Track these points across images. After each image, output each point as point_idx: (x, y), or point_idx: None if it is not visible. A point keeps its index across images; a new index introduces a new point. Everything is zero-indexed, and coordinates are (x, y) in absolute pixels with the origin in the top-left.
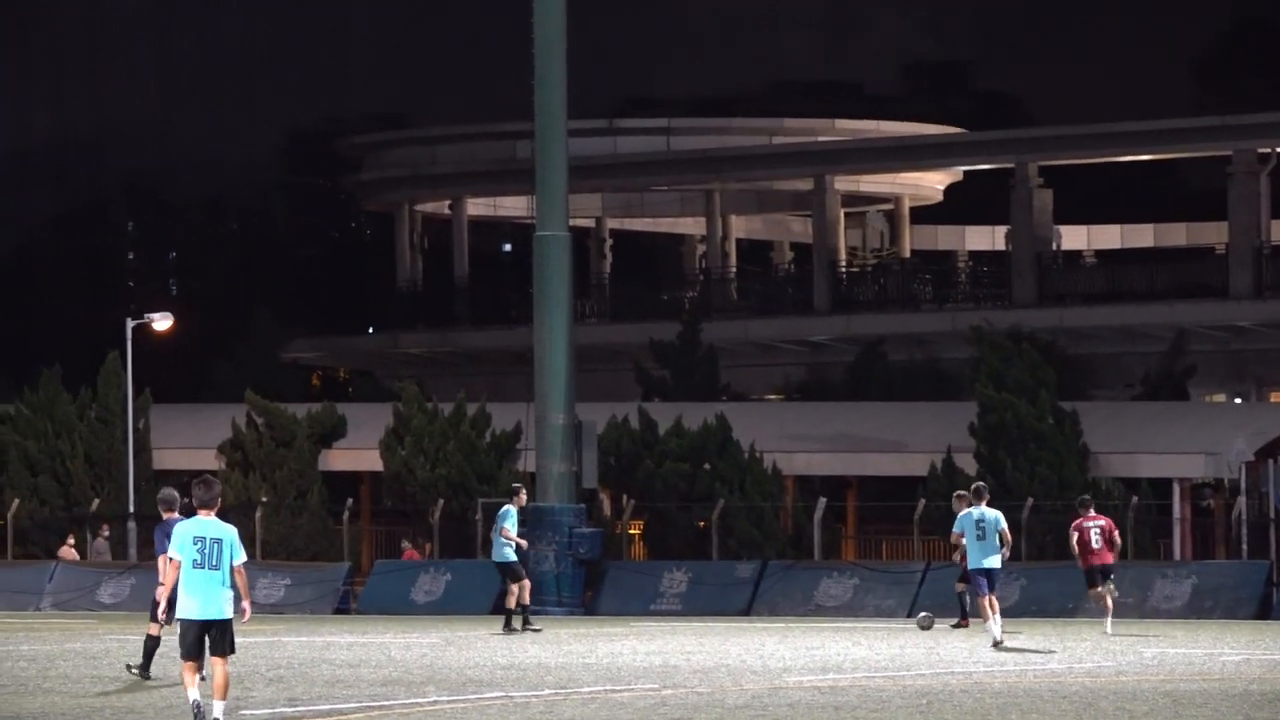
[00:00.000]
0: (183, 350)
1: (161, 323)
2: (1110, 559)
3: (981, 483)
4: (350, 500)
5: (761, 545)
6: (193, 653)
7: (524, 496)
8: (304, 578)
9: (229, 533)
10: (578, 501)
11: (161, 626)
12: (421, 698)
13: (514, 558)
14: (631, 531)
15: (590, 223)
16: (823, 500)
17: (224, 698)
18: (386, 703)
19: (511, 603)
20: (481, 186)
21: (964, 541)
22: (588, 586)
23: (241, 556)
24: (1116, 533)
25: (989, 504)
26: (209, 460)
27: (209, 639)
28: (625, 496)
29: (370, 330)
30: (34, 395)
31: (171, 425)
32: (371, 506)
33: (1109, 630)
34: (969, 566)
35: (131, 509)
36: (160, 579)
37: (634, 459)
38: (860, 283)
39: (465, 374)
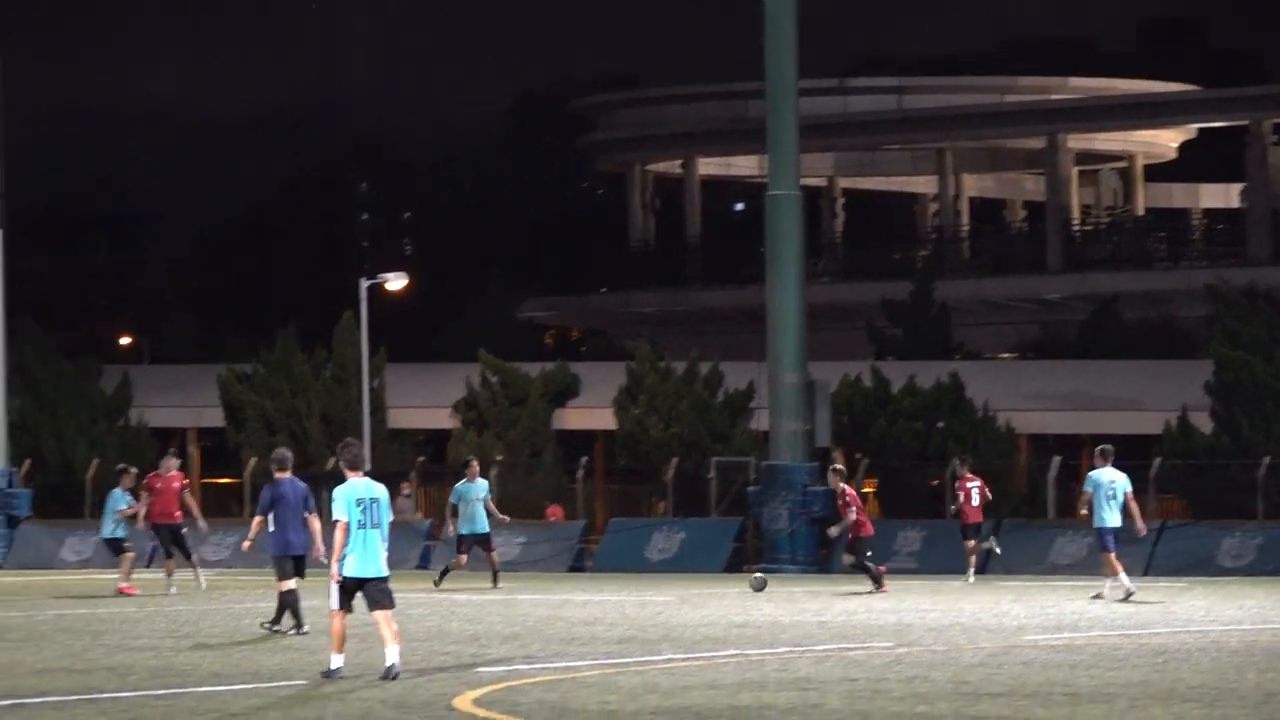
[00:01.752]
0: (417, 309)
1: (395, 282)
2: (980, 518)
3: (1109, 445)
4: (584, 459)
5: (996, 504)
6: (346, 606)
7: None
8: (539, 535)
9: (384, 492)
10: (810, 460)
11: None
12: (656, 656)
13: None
14: (865, 490)
15: (822, 182)
16: (1057, 459)
17: (398, 642)
18: (621, 660)
19: None
20: (713, 146)
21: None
22: (821, 545)
23: (390, 515)
24: (987, 491)
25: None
26: (443, 419)
27: (368, 596)
28: (858, 455)
29: (603, 290)
30: (271, 355)
31: (406, 384)
32: (605, 465)
33: (971, 580)
34: (1095, 524)
35: (367, 467)
36: (250, 535)
37: (867, 417)
38: (1094, 241)
39: (697, 333)
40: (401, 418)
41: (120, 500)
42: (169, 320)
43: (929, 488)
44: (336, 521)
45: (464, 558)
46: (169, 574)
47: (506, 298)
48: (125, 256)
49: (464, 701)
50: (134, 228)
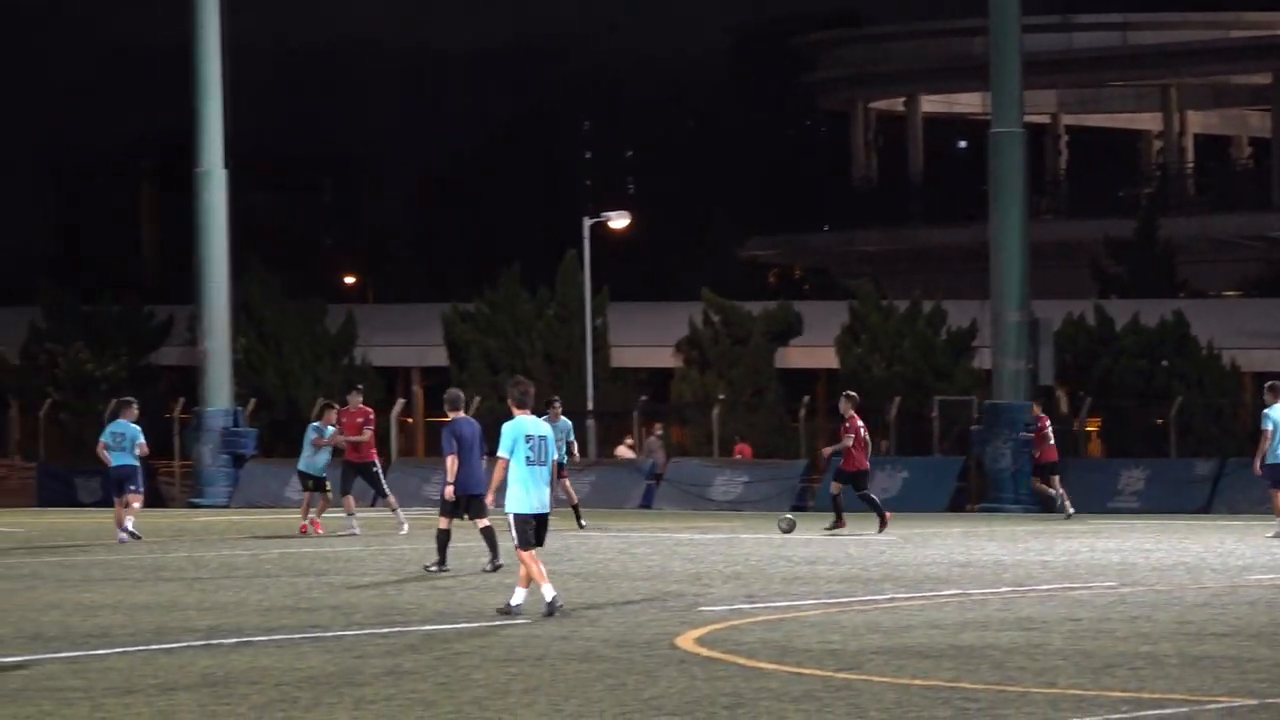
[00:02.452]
0: (640, 248)
1: (618, 221)
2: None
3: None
4: (806, 398)
5: (1220, 442)
6: (531, 542)
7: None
8: (761, 474)
9: (550, 430)
10: (1034, 399)
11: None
12: (879, 595)
13: None
14: (1089, 429)
15: (1046, 119)
16: None
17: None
18: (844, 600)
19: None
20: (936, 84)
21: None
22: None
23: (556, 454)
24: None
25: None
26: (666, 358)
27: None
28: (1082, 393)
29: (825, 228)
30: (494, 294)
31: (629, 323)
32: (827, 404)
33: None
34: (1268, 461)
35: (590, 406)
36: (449, 478)
37: (1090, 356)
38: None
39: (920, 271)
40: (624, 357)
41: (313, 434)
42: (393, 259)
43: (1153, 426)
44: (499, 457)
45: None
46: (348, 512)
47: (729, 236)
48: (349, 195)
49: (686, 640)
50: (358, 166)
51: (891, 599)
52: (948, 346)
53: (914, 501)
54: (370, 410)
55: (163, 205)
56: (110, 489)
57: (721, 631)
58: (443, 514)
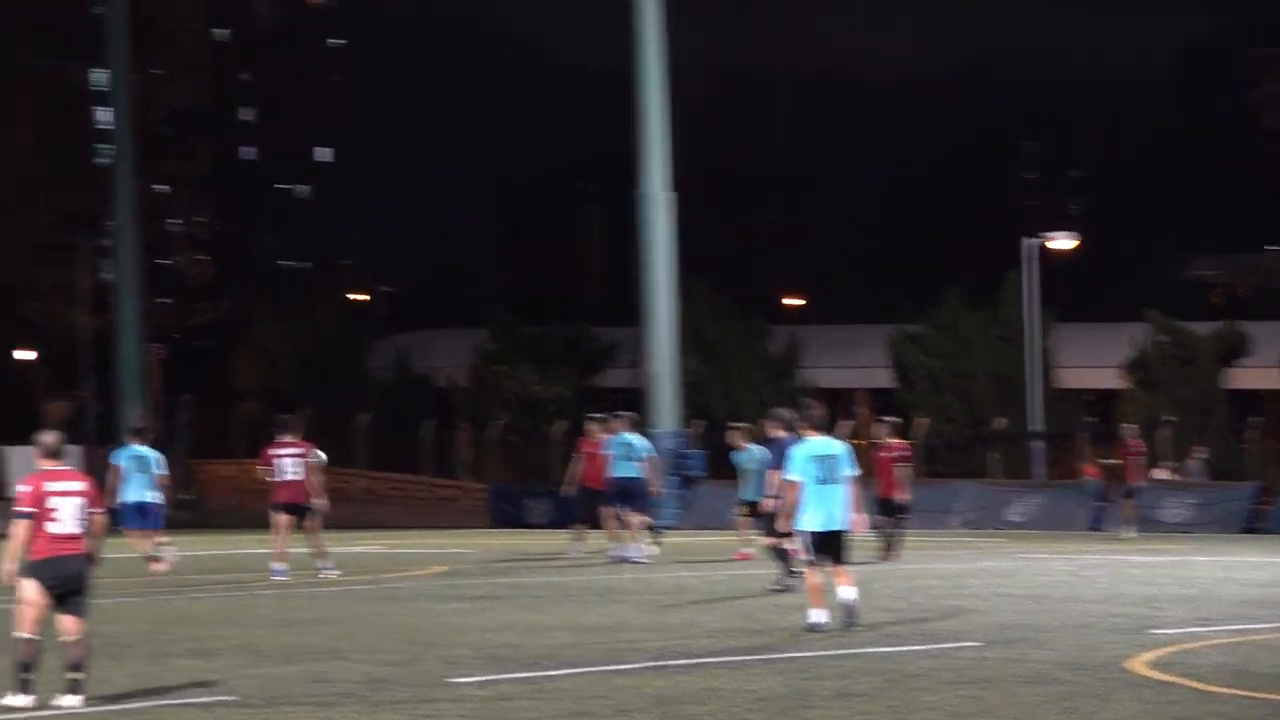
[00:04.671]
0: (1085, 268)
1: (1062, 242)
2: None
3: None
4: (1254, 419)
5: None
6: (820, 560)
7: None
8: (1210, 497)
9: (843, 449)
10: None
11: (778, 539)
12: None
13: None
14: None
15: None
16: None
17: (852, 583)
18: None
19: None
20: None
21: None
22: None
23: (853, 470)
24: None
25: None
26: (1112, 379)
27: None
28: None
29: (1273, 247)
30: (938, 315)
31: (1075, 344)
32: (1277, 425)
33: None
34: None
35: (1037, 427)
36: (771, 492)
37: None
38: None
39: None
40: (1070, 377)
41: (740, 458)
42: (837, 280)
43: None
44: (790, 480)
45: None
46: (577, 538)
47: (1175, 256)
48: (795, 217)
49: (1138, 664)
50: (803, 189)
51: None
52: None
53: None
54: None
55: (607, 228)
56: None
57: (1174, 655)
58: (770, 533)
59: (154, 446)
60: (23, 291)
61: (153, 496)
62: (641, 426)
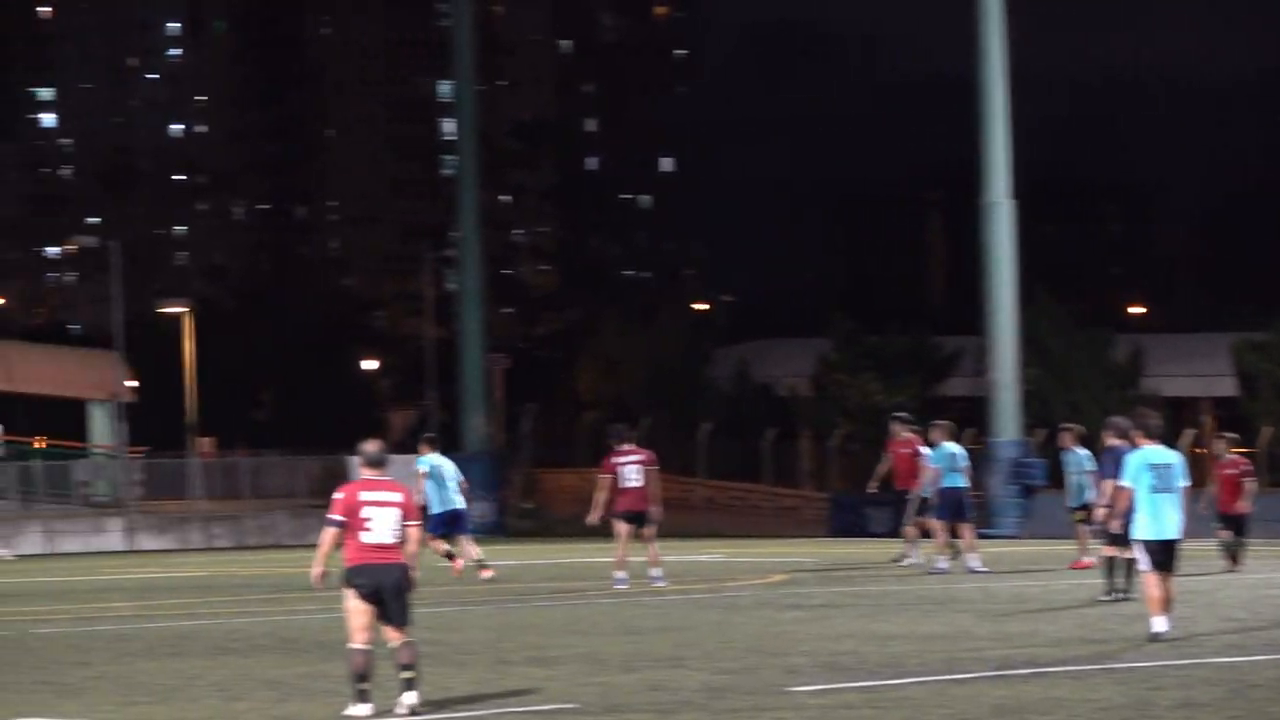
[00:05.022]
0: None
1: None
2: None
3: None
4: None
5: None
6: (1162, 567)
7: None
8: None
9: (1177, 458)
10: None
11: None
12: None
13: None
14: None
15: None
16: None
17: (1156, 609)
18: None
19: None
20: None
21: None
22: None
23: (1186, 481)
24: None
25: None
26: None
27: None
28: None
29: None
30: None
31: None
32: None
33: None
34: None
35: None
36: (1105, 501)
37: None
38: None
39: None
40: None
41: (1066, 459)
42: (1179, 288)
43: None
44: (1122, 487)
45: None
46: (908, 539)
47: None
48: (1136, 224)
49: None
50: (1145, 197)
51: None
52: None
53: None
54: (918, 440)
55: (950, 237)
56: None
57: None
58: (1111, 542)
59: (496, 456)
60: (368, 302)
61: (458, 503)
62: (957, 435)
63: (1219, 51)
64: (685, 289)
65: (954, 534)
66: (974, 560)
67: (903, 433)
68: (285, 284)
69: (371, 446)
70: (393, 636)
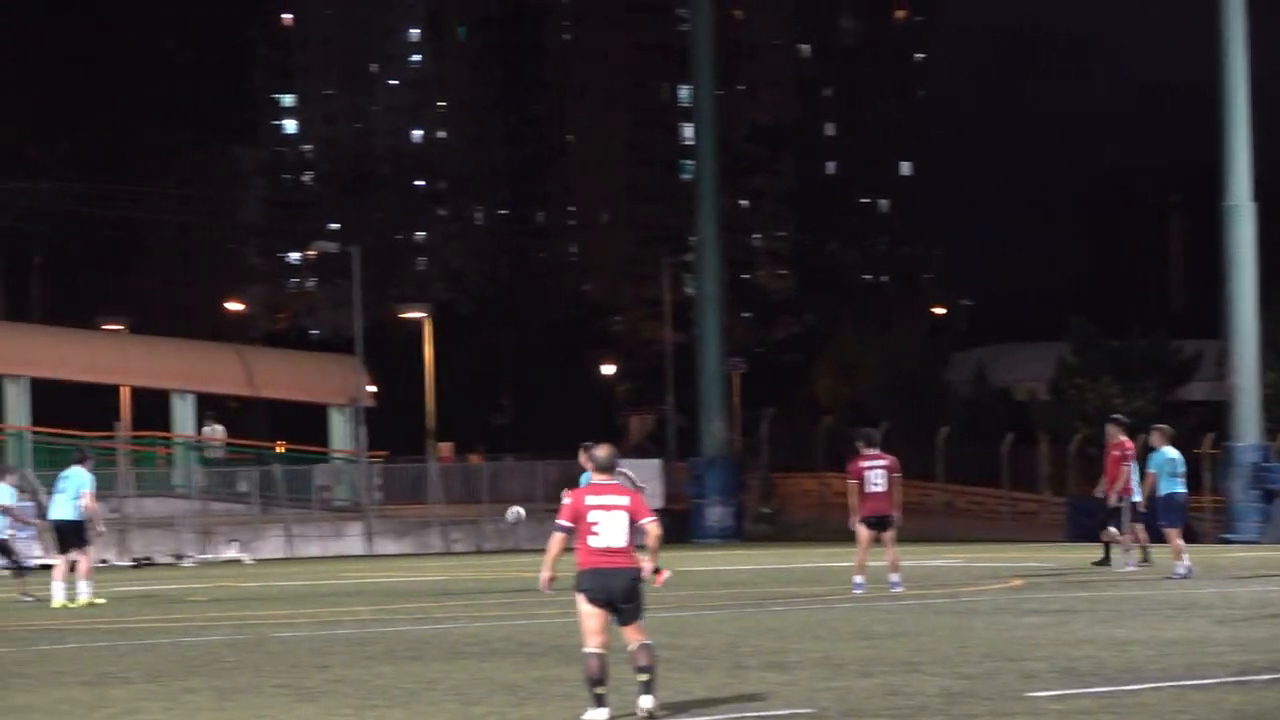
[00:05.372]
0: None
1: None
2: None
3: None
4: None
5: None
6: None
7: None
8: None
9: None
10: None
11: None
12: None
13: None
14: None
15: None
16: None
17: None
18: None
19: None
20: None
21: None
22: None
23: None
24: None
25: None
26: None
27: None
28: None
29: None
30: None
31: None
32: None
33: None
34: None
35: None
36: None
37: None
38: None
39: None
40: None
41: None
42: None
43: None
44: None
45: None
46: (1117, 541)
47: None
48: None
49: None
50: None
51: None
52: None
53: None
54: (1127, 442)
55: (1191, 239)
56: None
57: None
58: None
59: (734, 460)
60: (607, 306)
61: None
62: (1178, 439)
63: None
64: (923, 293)
65: (1160, 539)
66: (1181, 566)
67: (1118, 435)
68: (524, 288)
69: (601, 451)
70: (631, 637)
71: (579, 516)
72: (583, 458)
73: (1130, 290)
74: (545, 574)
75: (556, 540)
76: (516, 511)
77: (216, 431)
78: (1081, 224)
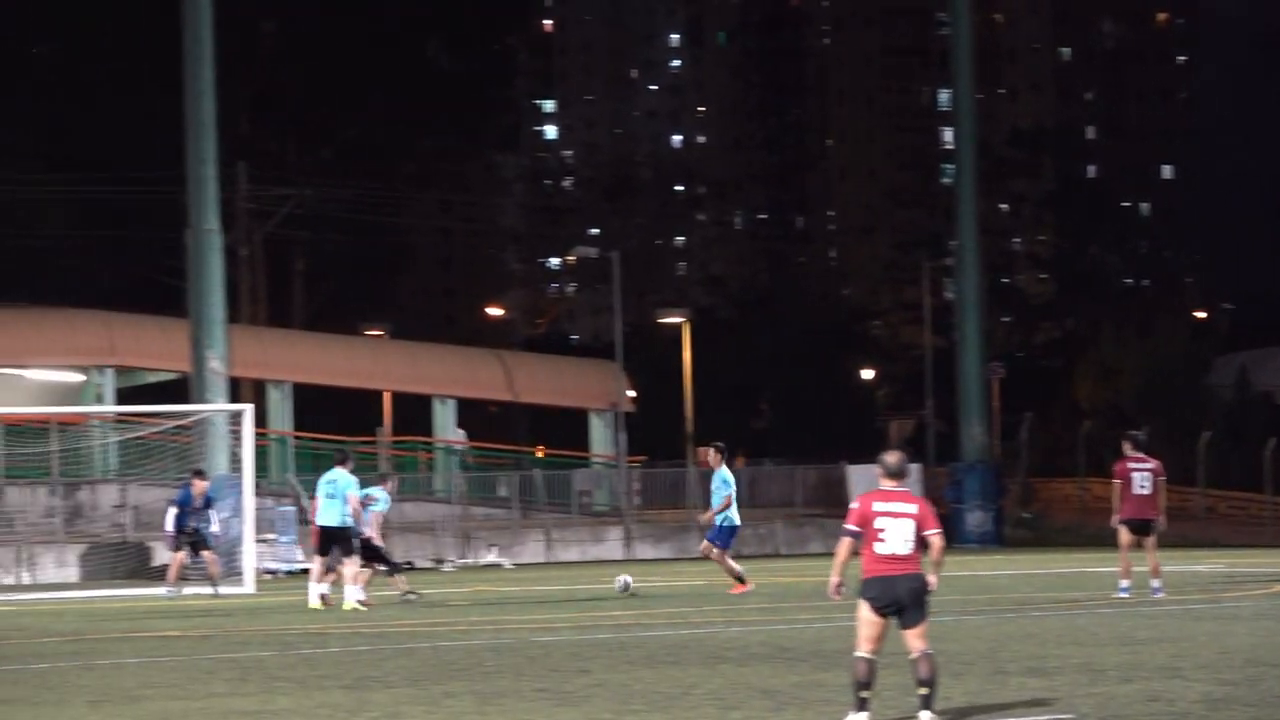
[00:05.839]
0: None
1: None
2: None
3: None
4: None
5: None
6: None
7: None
8: None
9: None
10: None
11: None
12: None
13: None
14: None
15: None
16: None
17: None
18: None
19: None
20: None
21: None
22: None
23: None
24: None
25: None
26: None
27: None
28: None
29: None
30: None
31: None
32: None
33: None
34: None
35: None
36: None
37: None
38: None
39: None
40: None
41: None
42: None
43: None
44: None
45: None
46: None
47: None
48: None
49: None
50: None
51: None
52: None
53: None
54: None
55: None
56: None
57: None
58: None
59: (994, 465)
60: (866, 311)
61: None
62: None
63: None
64: (1184, 296)
65: None
66: None
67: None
68: (783, 293)
69: (892, 458)
70: (913, 644)
71: (866, 522)
72: (712, 456)
73: None
74: (834, 579)
75: (845, 545)
76: (624, 580)
77: (459, 437)
78: None
